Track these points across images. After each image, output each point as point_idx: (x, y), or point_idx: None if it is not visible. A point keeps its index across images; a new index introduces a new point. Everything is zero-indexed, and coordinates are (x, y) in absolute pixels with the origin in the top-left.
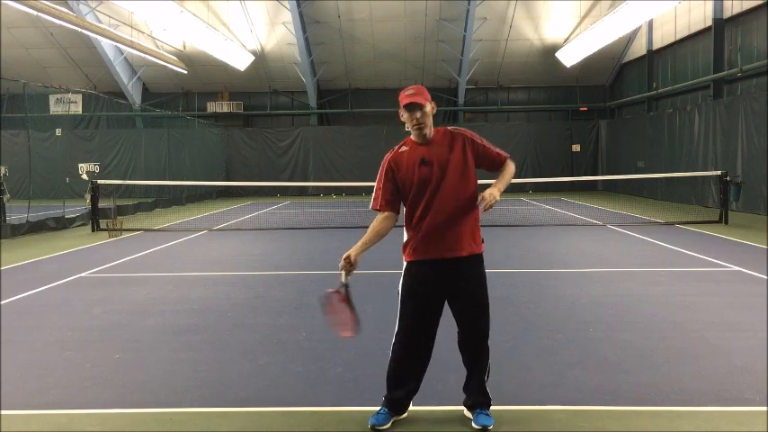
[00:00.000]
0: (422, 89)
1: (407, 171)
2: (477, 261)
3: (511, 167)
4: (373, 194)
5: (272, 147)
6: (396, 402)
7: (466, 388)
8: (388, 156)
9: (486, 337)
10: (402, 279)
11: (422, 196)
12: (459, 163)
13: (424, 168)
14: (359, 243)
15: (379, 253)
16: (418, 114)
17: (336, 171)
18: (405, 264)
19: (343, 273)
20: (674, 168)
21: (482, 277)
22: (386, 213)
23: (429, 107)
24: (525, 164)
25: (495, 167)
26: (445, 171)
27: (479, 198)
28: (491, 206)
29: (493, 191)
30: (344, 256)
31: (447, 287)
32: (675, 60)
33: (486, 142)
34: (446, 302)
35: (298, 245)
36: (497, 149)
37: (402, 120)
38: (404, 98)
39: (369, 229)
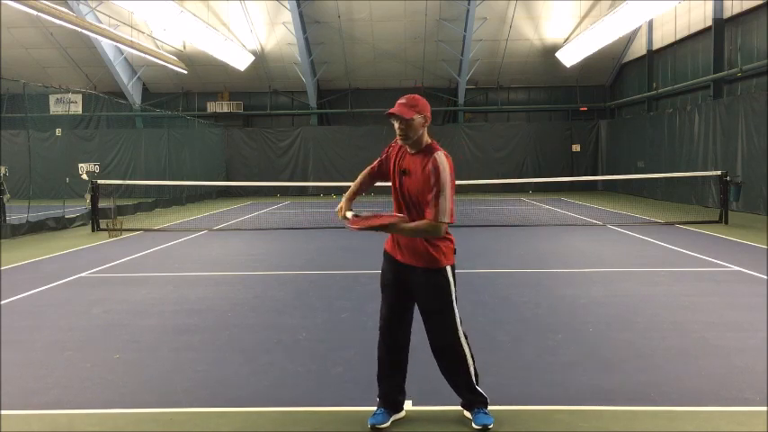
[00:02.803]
0: (415, 100)
1: (393, 170)
2: (430, 273)
3: (421, 226)
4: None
5: (272, 147)
6: (387, 399)
7: (456, 391)
8: (395, 144)
9: (448, 346)
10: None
11: (398, 202)
12: (419, 191)
13: (405, 178)
14: (347, 194)
15: (378, 252)
16: (397, 124)
17: (336, 171)
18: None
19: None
20: (674, 168)
21: (437, 287)
22: (367, 173)
23: (418, 119)
24: (525, 164)
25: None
26: (409, 189)
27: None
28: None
29: (375, 220)
30: (340, 207)
31: (406, 287)
32: (675, 60)
33: (439, 189)
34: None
35: (298, 245)
36: (433, 207)
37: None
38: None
39: (355, 183)
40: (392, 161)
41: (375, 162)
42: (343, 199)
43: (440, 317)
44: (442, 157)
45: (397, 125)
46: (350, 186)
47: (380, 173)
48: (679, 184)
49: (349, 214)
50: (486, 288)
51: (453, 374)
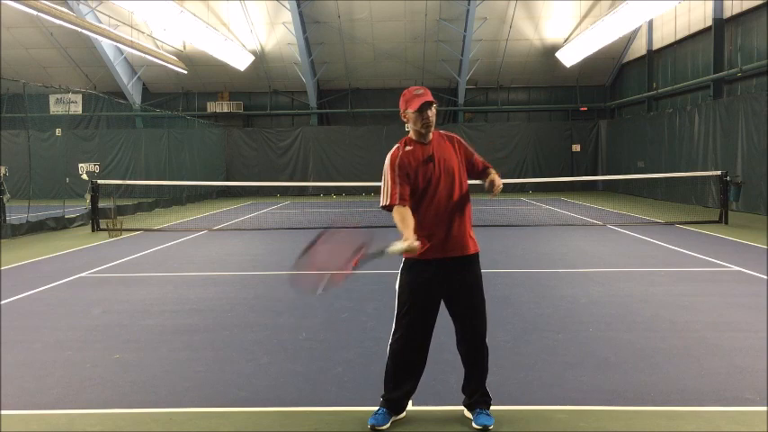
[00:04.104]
0: (427, 90)
1: (417, 169)
2: (476, 259)
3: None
4: (387, 191)
5: (272, 147)
6: (394, 402)
7: (465, 389)
8: (394, 154)
9: (484, 336)
10: (400, 277)
11: (426, 195)
12: (457, 163)
13: (430, 166)
14: (409, 231)
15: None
16: (430, 113)
17: (336, 171)
18: (403, 262)
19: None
20: (674, 168)
21: (479, 276)
22: (406, 206)
23: (434, 107)
24: (525, 164)
25: (474, 172)
26: (447, 170)
27: (489, 183)
28: (499, 189)
29: (497, 177)
30: (412, 245)
31: (447, 286)
32: (675, 60)
33: (471, 148)
34: (443, 303)
35: (298, 245)
36: (480, 157)
37: (404, 119)
38: (417, 98)
39: (406, 219)
40: (414, 169)
41: (397, 193)
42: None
43: (481, 306)
44: (449, 132)
45: (427, 116)
46: (400, 221)
47: (405, 193)
48: (679, 183)
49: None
50: (486, 288)
51: (482, 370)
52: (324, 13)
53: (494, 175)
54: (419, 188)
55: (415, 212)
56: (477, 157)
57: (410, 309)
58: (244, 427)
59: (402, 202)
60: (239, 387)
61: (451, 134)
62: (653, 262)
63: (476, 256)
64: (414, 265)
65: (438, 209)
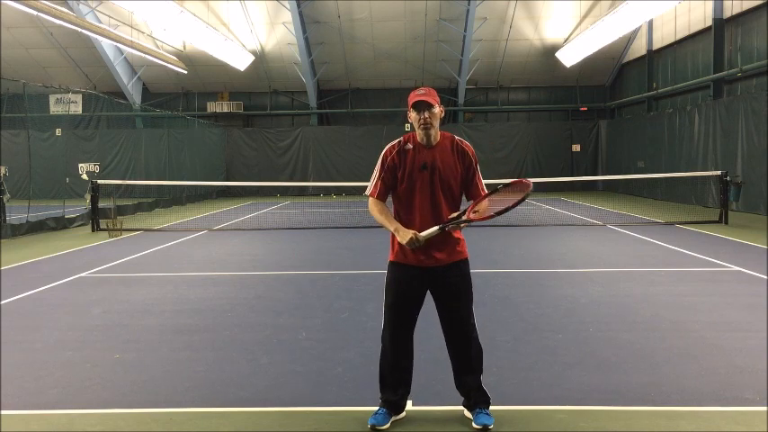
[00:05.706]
0: (432, 91)
1: (408, 171)
2: (461, 266)
3: (485, 204)
4: (373, 181)
5: (272, 147)
6: (392, 403)
7: (459, 386)
8: (391, 147)
9: (471, 325)
10: (387, 273)
11: (416, 201)
12: (457, 176)
13: (425, 174)
14: (395, 225)
15: (378, 252)
16: (426, 114)
17: (336, 171)
18: (389, 262)
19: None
20: (674, 168)
21: (466, 282)
22: (380, 201)
23: (437, 109)
24: (525, 164)
25: (469, 197)
26: (443, 180)
27: (465, 216)
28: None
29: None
30: (412, 239)
31: (431, 283)
32: (675, 60)
33: (479, 171)
34: (433, 300)
35: (298, 245)
36: (482, 184)
37: (410, 120)
38: (414, 96)
39: (384, 215)
40: (404, 171)
41: (376, 188)
42: (406, 232)
43: (467, 309)
44: (468, 144)
45: (423, 116)
46: (379, 214)
47: (387, 191)
48: (679, 183)
49: (425, 233)
50: (485, 288)
51: (477, 369)
52: (324, 13)
53: (461, 226)
54: (408, 193)
55: (401, 215)
56: (479, 184)
57: (395, 301)
58: (244, 427)
59: (379, 196)
60: (239, 387)
61: (469, 148)
62: (653, 262)
63: (459, 263)
64: (397, 268)
65: (426, 218)
